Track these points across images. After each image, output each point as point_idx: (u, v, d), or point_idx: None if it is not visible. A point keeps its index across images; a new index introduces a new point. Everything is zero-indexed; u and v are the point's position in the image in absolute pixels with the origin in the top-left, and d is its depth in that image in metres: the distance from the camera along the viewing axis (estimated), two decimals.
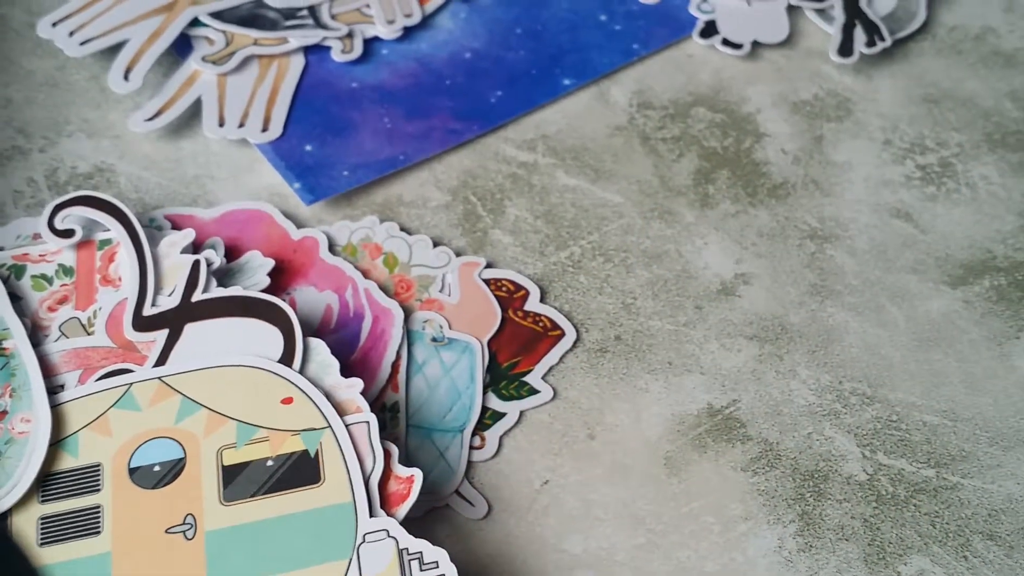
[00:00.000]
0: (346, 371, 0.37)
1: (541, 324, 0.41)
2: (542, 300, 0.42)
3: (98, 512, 0.34)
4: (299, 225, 0.43)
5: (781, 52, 0.50)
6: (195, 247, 0.40)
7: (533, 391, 0.40)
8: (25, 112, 0.46)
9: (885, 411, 0.40)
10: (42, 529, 0.34)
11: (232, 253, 0.41)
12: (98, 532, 0.34)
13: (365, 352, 0.40)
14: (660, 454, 0.39)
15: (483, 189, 0.45)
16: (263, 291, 0.39)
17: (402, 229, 0.43)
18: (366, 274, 0.42)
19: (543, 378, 0.40)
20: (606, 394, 0.40)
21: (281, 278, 0.41)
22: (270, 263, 0.40)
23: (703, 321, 0.42)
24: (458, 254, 0.43)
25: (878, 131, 0.48)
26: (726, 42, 0.50)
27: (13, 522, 0.34)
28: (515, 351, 0.41)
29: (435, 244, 0.43)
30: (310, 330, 0.39)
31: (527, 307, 0.42)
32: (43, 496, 0.34)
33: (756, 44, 0.50)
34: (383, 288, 0.41)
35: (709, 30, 0.50)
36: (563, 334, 0.41)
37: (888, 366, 0.41)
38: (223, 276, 0.40)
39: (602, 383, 0.40)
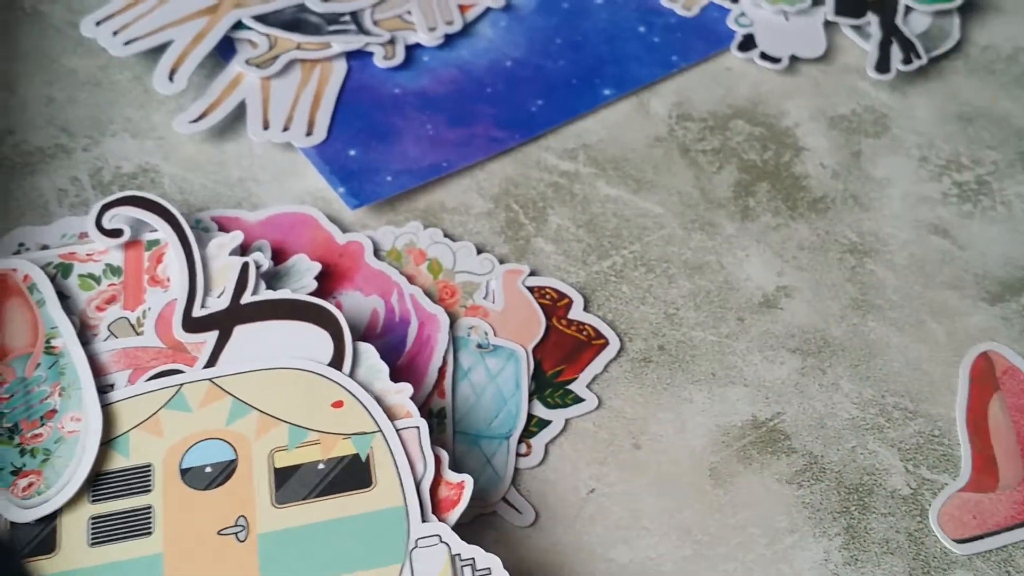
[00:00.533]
0: (393, 376, 0.37)
1: (585, 333, 0.41)
2: (586, 309, 0.42)
3: (149, 512, 0.34)
4: (343, 229, 0.43)
5: (818, 67, 0.51)
6: (242, 249, 0.40)
7: (578, 399, 0.40)
8: (68, 111, 0.46)
9: (927, 426, 0.40)
10: (93, 529, 0.34)
11: (278, 256, 0.41)
12: (149, 533, 0.34)
13: (411, 357, 0.40)
14: (705, 465, 0.39)
15: (525, 197, 0.45)
16: (311, 295, 0.39)
17: (446, 235, 0.43)
18: (411, 279, 0.42)
19: (588, 387, 0.40)
20: (650, 404, 0.40)
21: (327, 282, 0.41)
22: (317, 267, 0.40)
23: (745, 333, 0.42)
24: (501, 261, 0.43)
25: (915, 148, 0.48)
26: (764, 56, 0.50)
27: (63, 521, 0.34)
28: (559, 359, 0.41)
29: (479, 251, 0.43)
30: (357, 334, 0.39)
31: (571, 315, 0.42)
32: (94, 496, 0.34)
33: (794, 59, 0.50)
34: (428, 294, 0.41)
35: (747, 44, 0.50)
36: (607, 343, 0.41)
37: (930, 381, 0.41)
38: (271, 279, 0.40)
39: (646, 393, 0.40)
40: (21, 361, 0.36)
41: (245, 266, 0.39)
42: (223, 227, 0.42)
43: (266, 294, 0.38)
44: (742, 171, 0.47)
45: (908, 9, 0.52)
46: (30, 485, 0.34)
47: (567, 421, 0.39)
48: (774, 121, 0.49)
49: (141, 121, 0.46)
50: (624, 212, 0.45)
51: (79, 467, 0.34)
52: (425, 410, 0.38)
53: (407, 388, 0.36)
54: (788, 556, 0.37)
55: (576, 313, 0.42)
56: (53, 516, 0.34)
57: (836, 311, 0.43)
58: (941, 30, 0.52)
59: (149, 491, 0.34)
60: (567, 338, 0.41)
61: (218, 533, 0.34)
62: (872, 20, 0.51)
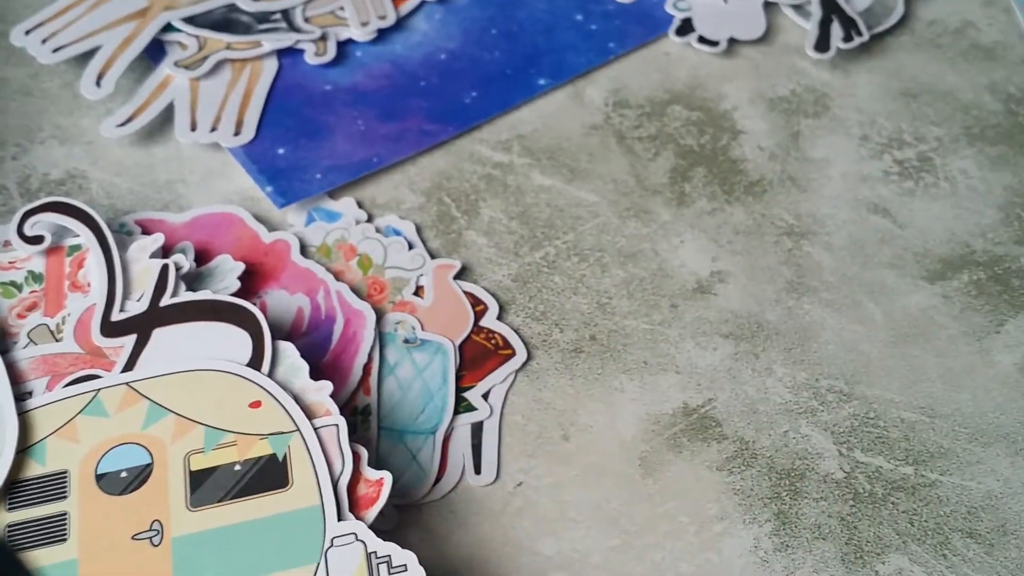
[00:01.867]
0: (317, 374, 0.37)
1: (493, 342, 0.41)
2: (499, 317, 0.41)
3: (64, 519, 0.34)
4: (272, 228, 0.42)
5: (758, 49, 0.50)
6: (165, 252, 0.40)
7: (471, 408, 0.39)
8: None
9: (862, 408, 0.40)
10: (8, 537, 0.34)
11: (203, 257, 0.41)
12: (64, 539, 0.33)
13: (336, 355, 0.39)
14: (635, 454, 0.38)
15: (457, 190, 0.45)
16: (233, 295, 0.39)
17: (377, 231, 0.43)
18: (340, 275, 0.41)
19: (483, 396, 0.39)
20: (581, 395, 0.40)
21: (252, 281, 0.41)
22: (240, 267, 0.40)
23: (679, 320, 0.42)
24: (432, 256, 0.43)
25: (856, 126, 0.48)
26: (702, 39, 0.50)
27: None
28: (462, 364, 0.40)
29: (410, 246, 0.43)
30: (281, 333, 0.39)
31: (482, 322, 0.41)
32: (10, 504, 0.34)
33: (733, 41, 0.50)
34: (356, 290, 0.41)
35: (685, 28, 0.50)
36: (514, 354, 0.40)
37: (865, 363, 0.41)
38: (193, 280, 0.39)
39: (577, 383, 0.40)
40: None
41: (164, 268, 0.38)
42: (148, 230, 0.42)
43: (185, 296, 0.38)
44: (679, 157, 0.46)
45: None
46: None
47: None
48: (712, 105, 0.48)
49: (70, 127, 0.46)
50: (558, 202, 0.45)
51: None
52: (350, 408, 0.38)
53: (327, 386, 0.36)
54: (717, 544, 0.36)
55: (489, 320, 0.41)
56: None
57: (771, 295, 0.42)
58: (885, 5, 0.52)
59: (65, 497, 0.34)
60: (475, 345, 0.40)
61: (132, 538, 0.33)
62: None
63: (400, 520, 0.36)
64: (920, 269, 0.43)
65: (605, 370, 0.40)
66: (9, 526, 0.34)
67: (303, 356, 0.37)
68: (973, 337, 0.42)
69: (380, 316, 0.41)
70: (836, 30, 0.50)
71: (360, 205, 0.44)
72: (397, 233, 0.43)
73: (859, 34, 0.50)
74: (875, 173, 0.46)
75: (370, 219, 0.44)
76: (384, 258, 0.42)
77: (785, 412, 0.39)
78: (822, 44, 0.49)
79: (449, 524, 0.37)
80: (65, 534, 0.33)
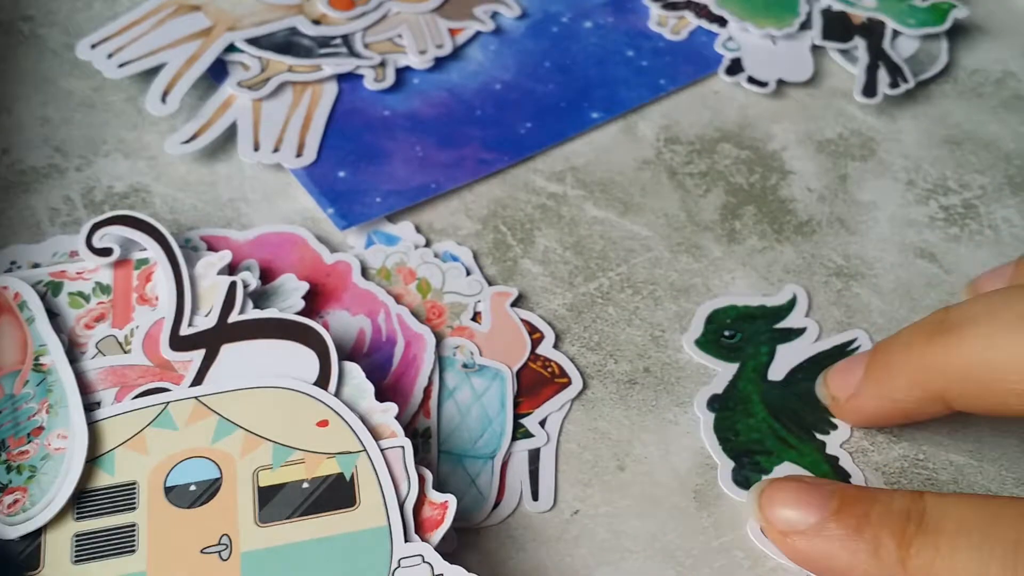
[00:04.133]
0: (379, 396, 0.37)
1: (550, 369, 0.41)
2: (555, 346, 0.42)
3: (133, 530, 0.34)
4: (331, 249, 0.43)
5: (806, 91, 0.51)
6: (231, 269, 0.40)
7: (528, 434, 0.40)
8: (62, 131, 0.46)
9: (912, 450, 0.40)
10: (77, 546, 0.34)
11: (266, 276, 0.41)
12: (133, 550, 0.34)
13: (397, 377, 0.40)
14: (690, 487, 0.39)
15: (513, 219, 0.46)
16: (298, 314, 0.39)
17: (435, 256, 0.44)
18: (399, 299, 0.42)
19: (540, 423, 0.40)
20: (635, 426, 0.40)
21: (314, 302, 0.41)
22: (305, 286, 0.41)
23: None
24: (489, 283, 0.43)
25: (902, 171, 0.49)
26: (751, 80, 0.51)
27: (47, 539, 0.34)
28: (519, 391, 0.41)
29: (467, 272, 0.43)
30: (344, 354, 0.39)
31: (539, 350, 0.42)
32: (78, 513, 0.34)
33: (781, 82, 0.51)
34: (415, 314, 0.42)
35: (735, 68, 0.51)
36: (570, 382, 0.41)
37: None
38: (258, 298, 0.40)
39: (631, 415, 0.40)
40: (10, 378, 0.37)
41: (233, 285, 0.39)
42: (212, 246, 0.42)
43: (253, 313, 0.39)
44: (728, 194, 0.47)
45: (896, 33, 0.53)
46: (15, 502, 0.35)
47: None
48: (761, 145, 0.49)
49: (133, 142, 0.46)
50: (611, 234, 0.46)
51: (64, 484, 0.35)
52: (410, 430, 0.39)
53: (392, 408, 0.37)
54: None
55: (545, 348, 0.42)
56: (38, 533, 0.34)
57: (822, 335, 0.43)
58: (929, 54, 0.53)
59: (134, 509, 0.35)
60: (531, 372, 0.41)
61: (201, 551, 0.34)
62: (859, 44, 0.52)
63: (459, 543, 0.37)
64: None
65: (659, 403, 0.41)
66: (77, 535, 0.34)
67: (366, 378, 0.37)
68: None
69: (439, 340, 0.41)
70: (883, 76, 0.51)
71: (418, 230, 0.45)
72: (455, 259, 0.44)
73: (905, 81, 0.51)
74: (921, 218, 0.47)
75: (428, 244, 0.44)
76: (443, 283, 0.43)
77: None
78: (869, 89, 0.50)
79: (508, 549, 0.37)
80: (134, 545, 0.34)
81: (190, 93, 0.47)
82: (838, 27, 0.52)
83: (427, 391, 0.40)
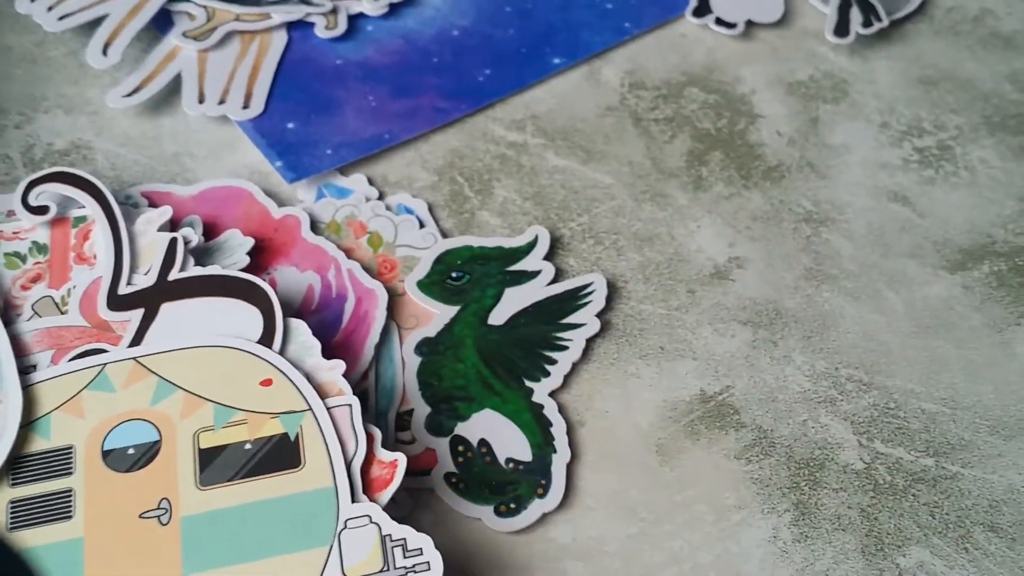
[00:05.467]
0: (329, 353, 0.36)
1: None
2: None
3: (70, 496, 0.33)
4: (280, 204, 0.41)
5: (776, 32, 0.49)
6: (173, 225, 0.39)
7: None
8: (2, 88, 0.44)
9: (882, 398, 0.39)
10: (12, 513, 0.33)
11: (211, 232, 0.40)
12: (70, 516, 0.32)
13: (348, 334, 0.38)
14: (652, 441, 0.38)
15: (470, 169, 0.44)
16: (243, 270, 0.38)
17: (388, 209, 0.42)
18: (349, 253, 0.40)
19: None
20: (596, 379, 0.39)
21: (262, 257, 0.40)
22: (250, 242, 0.39)
23: (696, 305, 0.41)
24: (444, 235, 0.42)
25: (875, 113, 0.47)
26: (719, 21, 0.49)
27: None
28: None
29: (421, 225, 0.42)
30: (291, 311, 0.38)
31: None
32: (13, 479, 0.33)
33: (750, 24, 0.49)
34: (366, 268, 0.40)
35: (702, 9, 0.49)
36: None
37: (886, 352, 0.40)
38: (201, 255, 0.38)
39: (592, 368, 0.39)
40: None
41: (173, 242, 0.37)
42: (154, 203, 0.40)
43: (194, 270, 0.37)
44: (695, 140, 0.46)
45: None
46: None
47: None
48: (729, 88, 0.47)
49: (75, 97, 0.44)
50: (573, 183, 0.44)
51: None
52: (360, 388, 0.37)
53: (340, 365, 0.35)
54: (735, 533, 0.36)
55: None
56: None
57: (790, 282, 0.42)
58: None
59: (70, 474, 0.33)
60: None
61: (140, 516, 0.33)
62: None
63: (412, 504, 0.36)
64: (940, 259, 0.43)
65: (621, 355, 0.39)
66: (13, 502, 0.33)
67: (314, 334, 0.36)
68: (994, 329, 0.41)
69: (391, 295, 0.40)
70: (855, 15, 0.49)
71: (371, 182, 0.43)
72: (409, 211, 0.42)
73: (878, 19, 0.49)
74: (895, 161, 0.46)
75: (381, 196, 0.43)
76: (395, 236, 0.41)
77: (804, 401, 0.39)
78: (841, 29, 0.48)
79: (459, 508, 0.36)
80: (71, 511, 0.33)
81: (133, 45, 0.45)
82: None
83: (379, 348, 0.38)
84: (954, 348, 0.40)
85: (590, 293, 0.40)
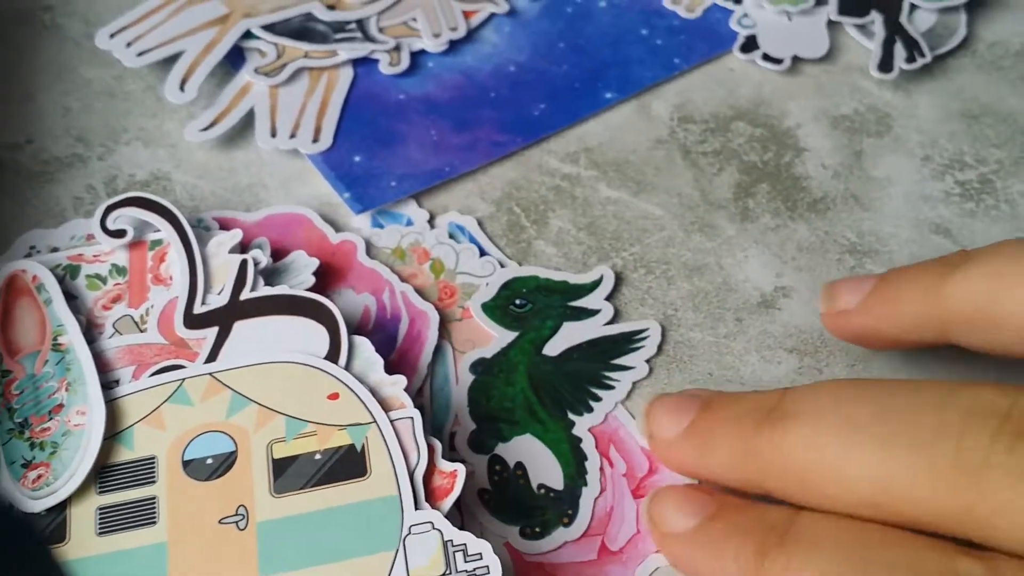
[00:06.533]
0: (386, 370, 0.38)
1: None
2: None
3: (154, 503, 0.35)
4: (336, 229, 0.44)
5: (821, 67, 0.51)
6: (242, 247, 0.41)
7: None
8: (83, 120, 0.47)
9: None
10: (101, 519, 0.35)
11: (274, 255, 0.42)
12: (154, 522, 0.35)
13: (402, 353, 0.40)
14: None
15: (527, 200, 0.46)
16: (308, 290, 0.40)
17: (450, 237, 0.44)
18: (412, 278, 0.43)
19: None
20: None
21: (321, 280, 0.42)
22: (315, 262, 0.41)
23: (743, 333, 0.42)
24: (502, 264, 0.44)
25: (917, 147, 0.48)
26: (766, 57, 0.50)
27: (72, 512, 0.35)
28: None
29: (481, 254, 0.44)
30: (351, 330, 0.40)
31: None
32: (101, 487, 0.35)
33: (796, 59, 0.51)
34: (428, 293, 0.42)
35: (749, 45, 0.51)
36: None
37: None
38: (269, 276, 0.41)
39: (644, 393, 0.41)
40: (30, 359, 0.38)
41: (244, 263, 0.40)
42: (223, 227, 0.43)
43: (264, 290, 0.39)
44: (742, 172, 0.47)
45: (913, 7, 0.52)
46: (39, 477, 0.36)
47: None
48: (775, 122, 0.49)
49: (153, 130, 0.47)
50: (624, 214, 0.46)
51: (84, 459, 0.36)
52: (417, 403, 0.39)
53: (401, 380, 0.37)
54: None
55: None
56: (63, 506, 0.35)
57: None
58: (947, 27, 0.52)
59: (153, 482, 0.35)
60: None
61: (219, 522, 0.35)
62: (876, 19, 0.52)
63: (463, 517, 0.37)
64: None
65: (672, 381, 0.41)
66: (101, 508, 0.35)
67: None
68: None
69: (448, 320, 0.42)
70: (899, 51, 0.50)
71: (432, 214, 0.45)
72: (460, 229, 0.44)
73: (922, 55, 0.50)
74: (936, 194, 0.47)
75: (432, 219, 0.45)
76: (456, 263, 0.43)
77: None
78: (885, 64, 0.50)
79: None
80: (155, 517, 0.35)
81: (208, 80, 0.47)
82: (855, 1, 0.52)
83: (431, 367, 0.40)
84: (994, 378, 0.41)
85: (644, 339, 0.41)
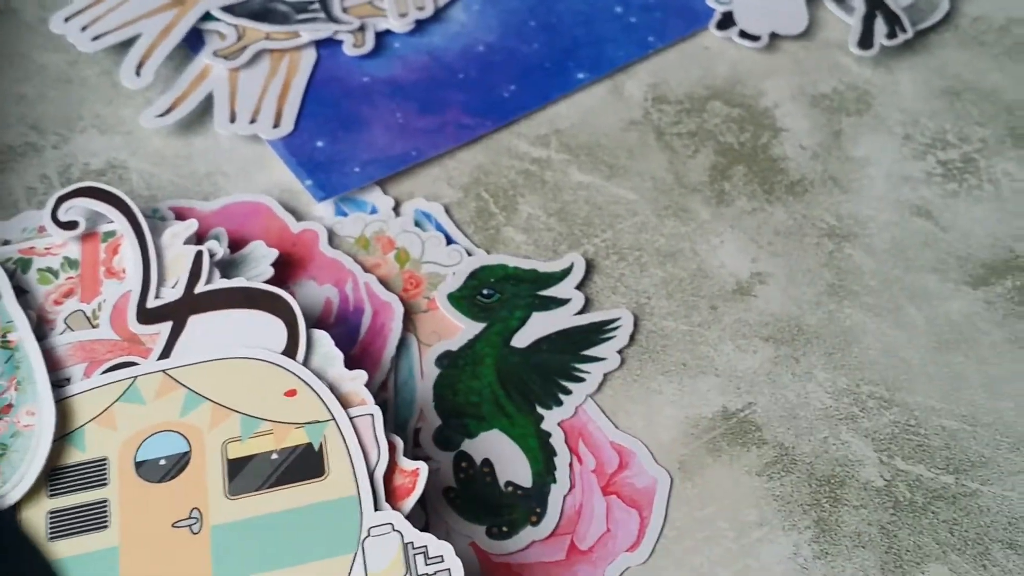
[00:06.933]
0: (348, 365, 0.36)
1: None
2: None
3: (105, 506, 0.34)
4: (298, 218, 0.42)
5: (800, 44, 0.49)
6: (198, 238, 0.40)
7: None
8: (38, 108, 0.46)
9: (903, 415, 0.39)
10: (51, 523, 0.34)
11: (233, 246, 0.41)
12: (106, 526, 0.33)
13: (365, 346, 0.39)
14: (674, 457, 0.38)
15: (495, 186, 0.45)
16: (267, 282, 0.39)
17: (416, 224, 0.43)
18: (376, 268, 0.41)
19: None
20: (619, 395, 0.39)
21: (281, 271, 0.40)
22: (274, 253, 0.40)
23: (718, 322, 0.41)
24: (469, 253, 0.42)
25: (898, 125, 0.47)
26: (743, 34, 0.49)
27: (23, 516, 0.34)
28: None
29: (448, 242, 0.42)
30: (311, 323, 0.38)
31: None
32: (51, 490, 0.34)
33: (774, 36, 0.49)
34: (392, 283, 0.41)
35: (726, 22, 0.49)
36: None
37: (907, 369, 0.40)
38: (226, 267, 0.39)
39: (615, 384, 0.39)
40: None
41: (199, 255, 0.38)
42: (180, 217, 0.41)
43: (219, 283, 0.38)
44: (718, 154, 0.46)
45: None
46: None
47: None
48: (752, 102, 0.47)
49: (109, 116, 0.46)
50: (596, 199, 0.44)
51: (34, 461, 0.34)
52: (380, 398, 0.38)
53: (362, 375, 0.36)
54: (756, 550, 0.36)
55: None
56: (13, 510, 0.34)
57: (811, 298, 0.42)
58: (929, 1, 0.51)
59: (105, 484, 0.34)
60: None
61: (172, 526, 0.33)
62: None
63: (427, 516, 0.36)
64: (963, 274, 0.43)
65: (644, 371, 0.40)
66: (51, 512, 0.34)
67: None
68: (1016, 344, 0.41)
69: (413, 311, 0.40)
70: (880, 26, 0.49)
71: (397, 201, 0.44)
72: (427, 216, 0.43)
73: (903, 31, 0.49)
74: (918, 174, 0.46)
75: (397, 206, 0.43)
76: (422, 252, 0.42)
77: (825, 418, 0.39)
78: (865, 40, 0.48)
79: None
80: (106, 521, 0.34)
81: (166, 65, 0.46)
82: None
83: (395, 360, 0.39)
84: (975, 364, 0.40)
85: (615, 328, 0.40)
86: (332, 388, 0.35)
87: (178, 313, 0.37)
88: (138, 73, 0.45)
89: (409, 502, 0.34)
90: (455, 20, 0.49)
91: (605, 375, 0.39)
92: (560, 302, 0.41)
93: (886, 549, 0.36)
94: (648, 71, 0.48)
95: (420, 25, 0.48)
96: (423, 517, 0.36)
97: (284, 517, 0.33)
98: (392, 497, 0.34)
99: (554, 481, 0.37)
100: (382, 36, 0.48)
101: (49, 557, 0.33)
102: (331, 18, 0.48)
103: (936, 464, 0.38)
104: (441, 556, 0.32)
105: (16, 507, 0.34)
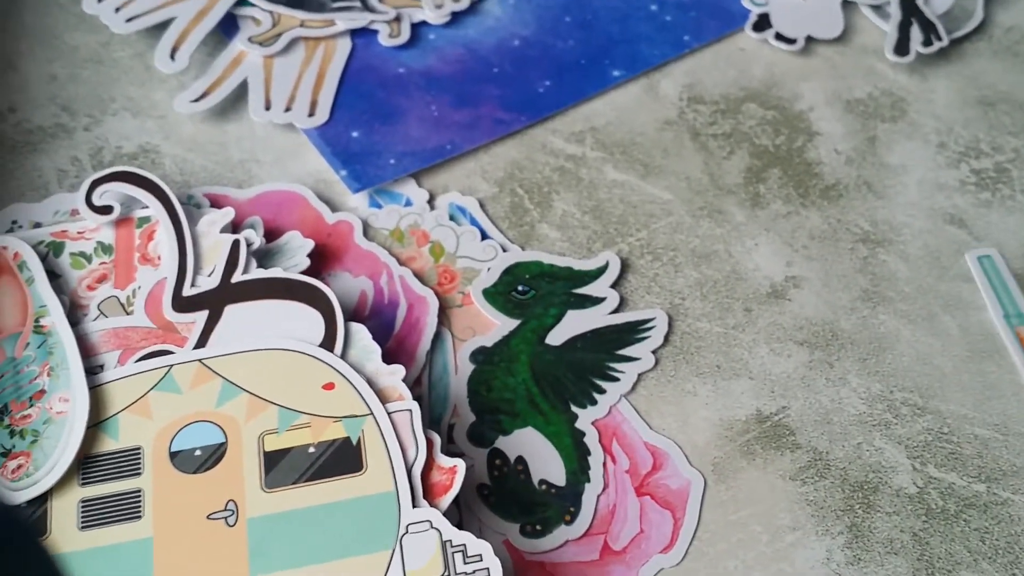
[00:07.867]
0: (383, 358, 0.36)
1: None
2: None
3: (139, 496, 0.34)
4: (333, 209, 0.42)
5: (835, 48, 0.49)
6: (234, 227, 0.40)
7: None
8: (69, 89, 0.45)
9: (936, 423, 0.39)
10: (83, 512, 0.33)
11: (267, 235, 0.40)
12: (139, 516, 0.33)
13: (400, 340, 0.39)
14: (708, 460, 0.38)
15: (530, 182, 0.44)
16: (303, 273, 0.38)
17: (451, 218, 0.42)
18: (410, 261, 0.41)
19: None
20: (654, 396, 0.39)
21: (315, 262, 0.40)
22: (310, 244, 0.40)
23: (752, 324, 0.41)
24: (504, 248, 0.42)
25: (933, 133, 0.47)
26: (779, 36, 0.49)
27: (53, 505, 0.33)
28: None
29: (483, 237, 0.42)
30: (347, 316, 0.38)
31: None
32: (83, 479, 0.34)
33: (810, 39, 0.49)
34: (426, 277, 0.41)
35: (762, 23, 0.49)
36: None
37: (940, 376, 0.40)
38: (262, 257, 0.39)
39: (649, 385, 0.39)
40: (11, 341, 0.36)
41: (236, 244, 0.38)
42: (214, 204, 0.41)
43: (257, 273, 0.38)
44: (753, 156, 0.46)
45: None
46: (19, 467, 0.34)
47: None
48: (788, 104, 0.47)
49: (142, 100, 0.45)
50: (631, 198, 0.44)
51: (67, 449, 0.34)
52: (415, 393, 0.38)
53: (400, 370, 0.36)
54: (789, 554, 0.36)
55: None
56: (44, 498, 0.34)
57: (846, 303, 0.42)
58: (964, 10, 0.51)
59: (139, 474, 0.34)
60: None
61: (207, 517, 0.33)
62: (892, 0, 0.50)
63: (461, 514, 0.36)
64: None
65: (678, 373, 0.40)
66: (83, 501, 0.33)
67: None
68: None
69: (448, 306, 0.40)
70: (915, 33, 0.49)
71: (432, 194, 0.43)
72: (461, 211, 0.43)
73: (939, 38, 0.49)
74: (952, 182, 0.45)
75: (431, 199, 0.43)
76: (457, 247, 0.42)
77: (859, 423, 0.39)
78: (902, 47, 0.48)
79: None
80: (140, 511, 0.33)
81: (200, 49, 0.45)
82: None
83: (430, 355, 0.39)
84: (1007, 374, 0.40)
85: (650, 328, 0.40)
86: (370, 382, 0.35)
87: (215, 302, 0.37)
88: (172, 57, 0.45)
89: (446, 499, 0.34)
90: (490, 14, 0.49)
91: (639, 375, 0.39)
92: (595, 300, 0.40)
93: (918, 556, 0.36)
94: (683, 71, 0.48)
95: (455, 17, 0.48)
96: (456, 514, 0.36)
97: (321, 511, 0.33)
98: (429, 494, 0.34)
99: (588, 480, 0.37)
100: (417, 27, 0.48)
101: (52, 555, 0.32)
102: (367, 7, 0.47)
103: (968, 472, 0.38)
104: (480, 555, 0.32)
105: (47, 495, 0.34)
